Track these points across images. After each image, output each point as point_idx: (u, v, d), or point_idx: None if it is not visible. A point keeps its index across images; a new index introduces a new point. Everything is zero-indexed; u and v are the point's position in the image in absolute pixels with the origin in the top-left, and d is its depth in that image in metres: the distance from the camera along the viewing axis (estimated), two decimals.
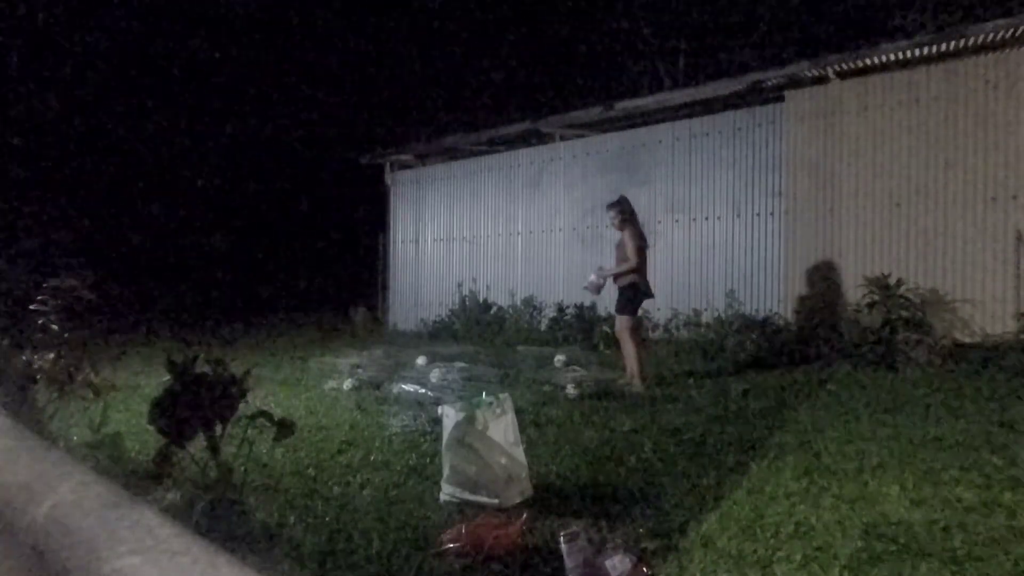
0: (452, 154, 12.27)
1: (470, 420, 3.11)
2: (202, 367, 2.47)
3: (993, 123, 7.03)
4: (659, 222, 9.30)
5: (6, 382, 3.09)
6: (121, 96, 18.09)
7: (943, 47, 7.20)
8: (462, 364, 7.10)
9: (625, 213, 6.11)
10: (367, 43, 20.84)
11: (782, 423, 4.57)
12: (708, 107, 9.31)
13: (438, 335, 10.95)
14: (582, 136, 10.50)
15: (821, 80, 8.09)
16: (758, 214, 8.57)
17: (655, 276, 7.06)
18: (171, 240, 18.83)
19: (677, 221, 9.25)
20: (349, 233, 19.52)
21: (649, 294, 6.21)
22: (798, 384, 5.97)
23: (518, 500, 3.11)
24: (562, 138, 10.67)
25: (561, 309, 9.82)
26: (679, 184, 9.26)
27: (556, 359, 7.33)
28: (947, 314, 7.12)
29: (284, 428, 2.55)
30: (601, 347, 8.42)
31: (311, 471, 3.66)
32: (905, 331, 6.84)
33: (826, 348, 7.17)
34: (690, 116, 9.39)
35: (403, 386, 5.95)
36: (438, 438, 3.58)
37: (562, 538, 2.44)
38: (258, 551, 2.49)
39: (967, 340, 6.93)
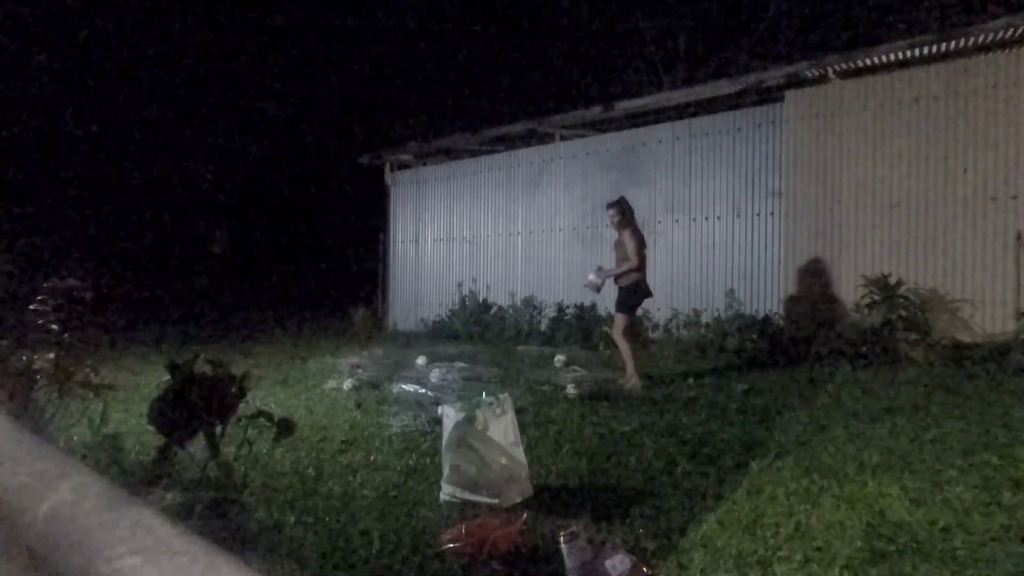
0: (452, 154, 12.27)
1: (470, 420, 3.12)
2: (202, 367, 2.47)
3: (993, 123, 7.04)
4: (659, 222, 9.31)
5: (6, 382, 3.08)
6: (122, 96, 18.08)
7: (943, 47, 7.21)
8: (462, 364, 7.11)
9: (624, 213, 6.14)
10: (367, 43, 20.86)
11: (782, 423, 4.57)
12: (708, 107, 9.32)
13: (438, 335, 10.95)
14: (582, 136, 10.50)
15: (821, 80, 8.09)
16: (758, 214, 8.57)
17: (655, 276, 7.08)
18: (171, 240, 18.85)
19: (677, 221, 9.25)
20: (349, 233, 19.54)
21: (648, 293, 6.25)
22: (798, 384, 5.97)
23: (518, 500, 3.11)
24: (562, 138, 10.67)
25: (561, 309, 9.82)
26: (679, 184, 9.26)
27: (556, 359, 7.34)
28: (947, 314, 7.12)
29: (284, 428, 2.55)
30: (601, 347, 8.42)
31: (311, 471, 3.66)
32: (905, 331, 6.85)
33: (826, 348, 7.17)
34: (690, 116, 9.40)
35: (403, 386, 5.96)
36: (438, 438, 3.58)
37: (562, 538, 2.44)
38: (258, 551, 2.49)
39: (967, 340, 6.93)
